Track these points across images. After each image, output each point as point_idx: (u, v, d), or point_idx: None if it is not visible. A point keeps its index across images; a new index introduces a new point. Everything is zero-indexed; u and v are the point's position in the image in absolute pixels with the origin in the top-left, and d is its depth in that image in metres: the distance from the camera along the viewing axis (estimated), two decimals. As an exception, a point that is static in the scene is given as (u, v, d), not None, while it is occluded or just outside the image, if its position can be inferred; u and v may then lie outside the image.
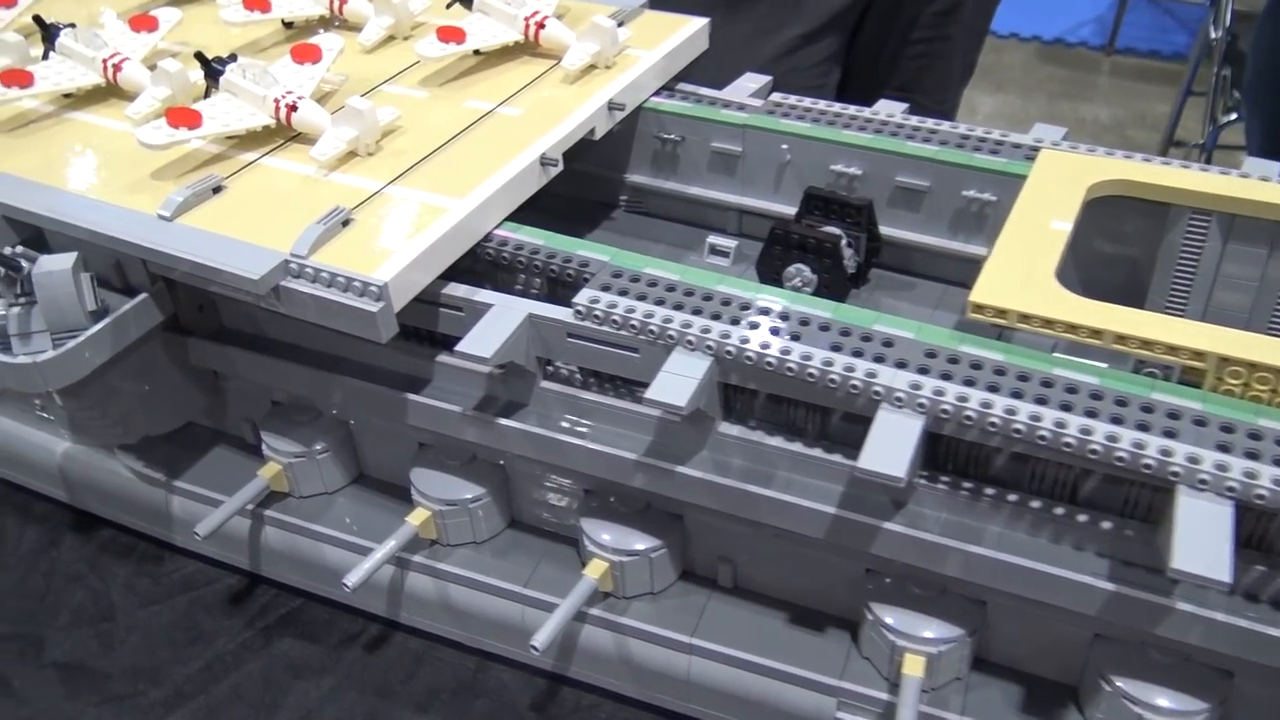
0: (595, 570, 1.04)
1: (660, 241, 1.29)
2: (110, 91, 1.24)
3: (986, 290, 0.89)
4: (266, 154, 1.12)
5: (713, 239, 1.23)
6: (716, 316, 0.93)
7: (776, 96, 1.26)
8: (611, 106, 1.18)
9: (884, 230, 1.18)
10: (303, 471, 1.18)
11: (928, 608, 0.95)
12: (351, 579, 1.05)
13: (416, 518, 1.10)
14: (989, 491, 0.89)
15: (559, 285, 1.05)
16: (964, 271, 1.18)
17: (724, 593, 1.07)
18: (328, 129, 1.10)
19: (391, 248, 0.97)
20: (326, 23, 1.38)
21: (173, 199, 1.02)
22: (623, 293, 0.97)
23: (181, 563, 1.28)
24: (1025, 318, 0.87)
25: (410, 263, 0.96)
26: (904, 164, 1.14)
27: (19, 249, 1.02)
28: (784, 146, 1.19)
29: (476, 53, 1.26)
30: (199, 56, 1.16)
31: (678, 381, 0.89)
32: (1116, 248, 1.09)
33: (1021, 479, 0.90)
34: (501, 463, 1.11)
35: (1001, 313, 0.87)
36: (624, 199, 1.35)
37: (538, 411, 1.03)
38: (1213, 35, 3.33)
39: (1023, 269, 0.91)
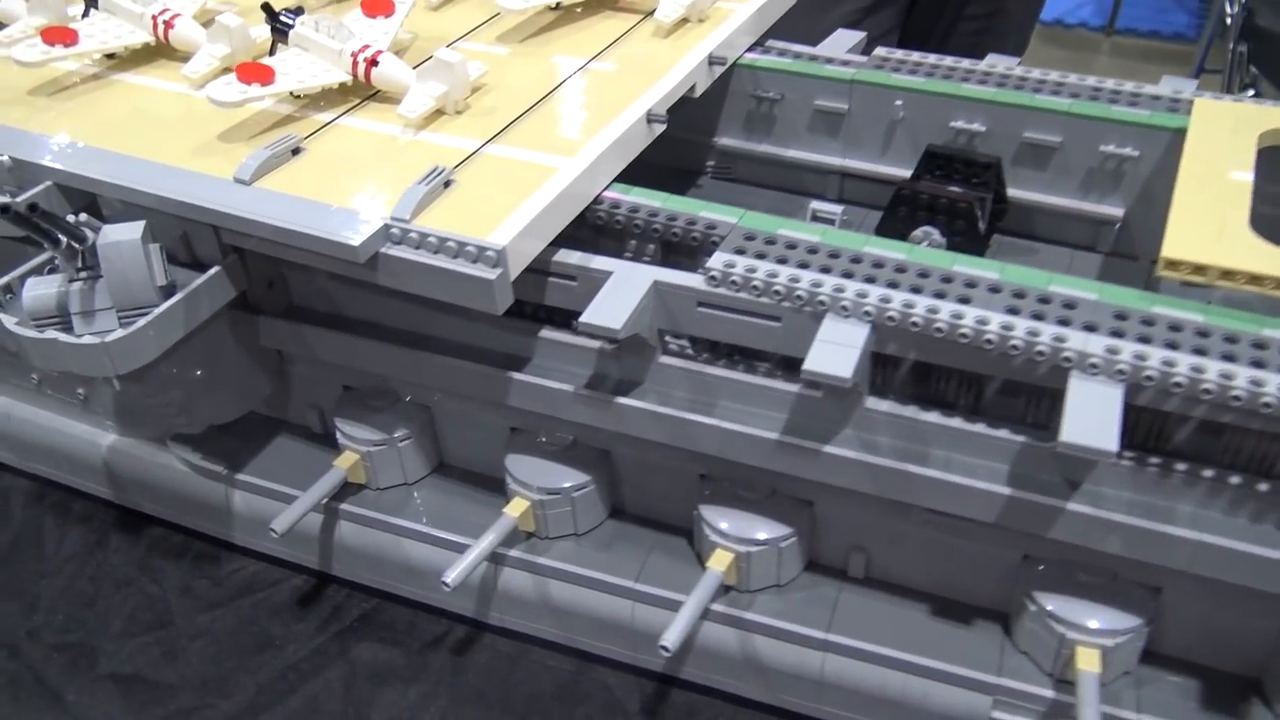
0: (720, 562, 0.96)
1: (754, 209, 1.19)
2: (158, 51, 1.14)
3: (1179, 245, 0.80)
4: (344, 113, 1.02)
5: (815, 205, 1.14)
6: (871, 280, 0.85)
7: (881, 51, 1.17)
8: (712, 61, 1.09)
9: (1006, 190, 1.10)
10: (382, 461, 1.08)
11: (1099, 595, 0.87)
12: (451, 576, 0.95)
13: (515, 509, 1.01)
14: (1179, 467, 0.81)
15: (675, 251, 0.96)
16: (1092, 234, 1.11)
17: (855, 584, 0.99)
18: (413, 85, 1.00)
19: (503, 210, 0.88)
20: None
21: (249, 162, 0.93)
22: (759, 256, 0.88)
23: (241, 562, 1.18)
24: (1228, 274, 0.79)
25: (526, 226, 0.87)
26: (1034, 118, 1.06)
27: (83, 217, 0.91)
28: (898, 103, 1.11)
29: (557, 6, 1.16)
30: (266, 9, 1.06)
31: (838, 352, 0.81)
32: (1272, 203, 1.01)
33: (1210, 452, 0.82)
34: (604, 448, 1.03)
35: (1199, 269, 0.79)
36: (710, 164, 1.26)
37: (656, 389, 0.94)
38: (1228, 11, 3.28)
39: (1214, 223, 0.83)
